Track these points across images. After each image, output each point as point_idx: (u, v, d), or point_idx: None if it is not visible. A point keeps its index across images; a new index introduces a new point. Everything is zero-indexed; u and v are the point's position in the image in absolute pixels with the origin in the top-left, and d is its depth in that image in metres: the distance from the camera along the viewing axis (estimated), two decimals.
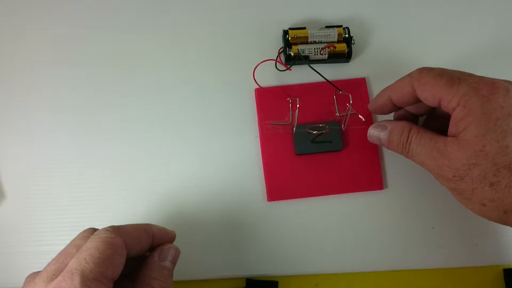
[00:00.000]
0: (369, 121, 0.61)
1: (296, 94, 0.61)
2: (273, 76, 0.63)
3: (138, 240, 0.45)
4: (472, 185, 0.45)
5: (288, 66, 0.61)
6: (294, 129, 0.59)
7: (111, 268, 0.40)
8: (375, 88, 0.63)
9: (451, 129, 0.48)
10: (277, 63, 0.62)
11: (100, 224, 0.58)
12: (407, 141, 0.51)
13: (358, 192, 0.59)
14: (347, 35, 0.62)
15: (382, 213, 0.59)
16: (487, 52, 0.64)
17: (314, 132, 0.57)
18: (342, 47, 0.61)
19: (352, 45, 0.62)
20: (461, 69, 0.63)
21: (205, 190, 0.59)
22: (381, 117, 0.61)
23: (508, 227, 0.58)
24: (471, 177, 0.45)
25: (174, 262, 0.47)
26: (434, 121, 0.56)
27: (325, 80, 0.60)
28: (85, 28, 0.64)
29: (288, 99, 0.61)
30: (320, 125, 0.59)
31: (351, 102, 0.57)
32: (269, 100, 0.61)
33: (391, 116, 0.61)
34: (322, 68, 0.61)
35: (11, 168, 0.60)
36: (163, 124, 0.61)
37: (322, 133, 0.58)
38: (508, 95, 0.44)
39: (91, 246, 0.40)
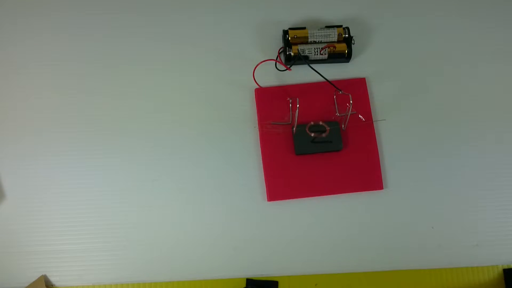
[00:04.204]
0: (370, 121, 0.61)
1: (296, 94, 0.61)
2: (273, 76, 0.63)
3: None
4: None
5: (288, 66, 0.61)
6: (294, 129, 0.59)
7: None
8: (375, 88, 0.63)
9: None
10: (277, 63, 0.62)
11: (98, 225, 0.58)
12: None
13: (358, 192, 0.59)
14: (347, 35, 0.62)
15: (382, 213, 0.59)
16: (487, 50, 0.64)
17: (312, 135, 0.57)
18: (342, 47, 0.61)
19: (352, 45, 0.62)
20: (462, 67, 0.63)
21: (205, 190, 0.59)
22: (381, 118, 0.61)
23: (508, 227, 0.59)
24: None
25: None
26: None
27: (325, 80, 0.60)
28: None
29: (288, 99, 0.61)
30: (321, 123, 0.59)
31: (351, 102, 0.57)
32: (269, 100, 0.61)
33: (390, 115, 0.61)
34: (322, 68, 0.61)
35: (11, 168, 0.60)
36: (164, 125, 0.61)
37: (322, 135, 0.58)
38: None
39: None
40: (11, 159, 0.60)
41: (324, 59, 0.62)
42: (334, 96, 0.61)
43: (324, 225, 0.59)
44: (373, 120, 0.61)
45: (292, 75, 0.63)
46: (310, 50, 0.61)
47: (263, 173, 0.59)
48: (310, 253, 0.58)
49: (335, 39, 0.61)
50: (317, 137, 0.58)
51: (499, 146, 0.61)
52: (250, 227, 0.58)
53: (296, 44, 0.61)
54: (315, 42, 0.62)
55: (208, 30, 0.64)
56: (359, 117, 0.61)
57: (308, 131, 0.58)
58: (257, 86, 0.62)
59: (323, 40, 0.61)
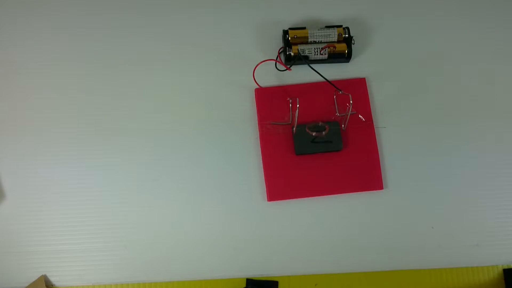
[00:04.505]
0: (370, 121, 0.61)
1: (296, 94, 0.61)
2: (273, 76, 0.63)
3: None
4: None
5: (288, 66, 0.61)
6: (294, 129, 0.59)
7: None
8: (375, 88, 0.63)
9: None
10: (277, 63, 0.62)
11: (98, 225, 0.58)
12: None
13: (358, 192, 0.59)
14: (347, 35, 0.62)
15: (382, 213, 0.59)
16: (487, 50, 0.64)
17: (313, 134, 0.57)
18: (342, 47, 0.61)
19: (352, 45, 0.62)
20: (462, 67, 0.63)
21: (205, 190, 0.59)
22: (381, 118, 0.62)
23: (508, 227, 0.59)
24: None
25: None
26: None
27: (325, 80, 0.60)
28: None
29: (288, 99, 0.61)
30: (320, 124, 0.59)
31: (351, 102, 0.57)
32: (269, 100, 0.61)
33: (390, 115, 0.61)
34: (322, 68, 0.61)
35: (11, 168, 0.60)
36: (164, 125, 0.61)
37: (322, 134, 0.58)
38: None
39: None
40: (11, 159, 0.60)
41: (324, 59, 0.62)
42: (334, 96, 0.61)
43: (324, 225, 0.59)
44: (373, 120, 0.61)
45: (292, 75, 0.63)
46: (310, 50, 0.61)
47: (263, 173, 0.59)
48: (310, 253, 0.58)
49: (335, 39, 0.61)
50: (317, 137, 0.58)
51: (499, 146, 0.61)
52: (250, 227, 0.58)
53: (296, 44, 0.61)
54: (315, 42, 0.62)
55: (208, 30, 0.64)
56: (359, 117, 0.61)
57: (308, 130, 0.58)
58: (257, 86, 0.62)
59: (323, 40, 0.61)
